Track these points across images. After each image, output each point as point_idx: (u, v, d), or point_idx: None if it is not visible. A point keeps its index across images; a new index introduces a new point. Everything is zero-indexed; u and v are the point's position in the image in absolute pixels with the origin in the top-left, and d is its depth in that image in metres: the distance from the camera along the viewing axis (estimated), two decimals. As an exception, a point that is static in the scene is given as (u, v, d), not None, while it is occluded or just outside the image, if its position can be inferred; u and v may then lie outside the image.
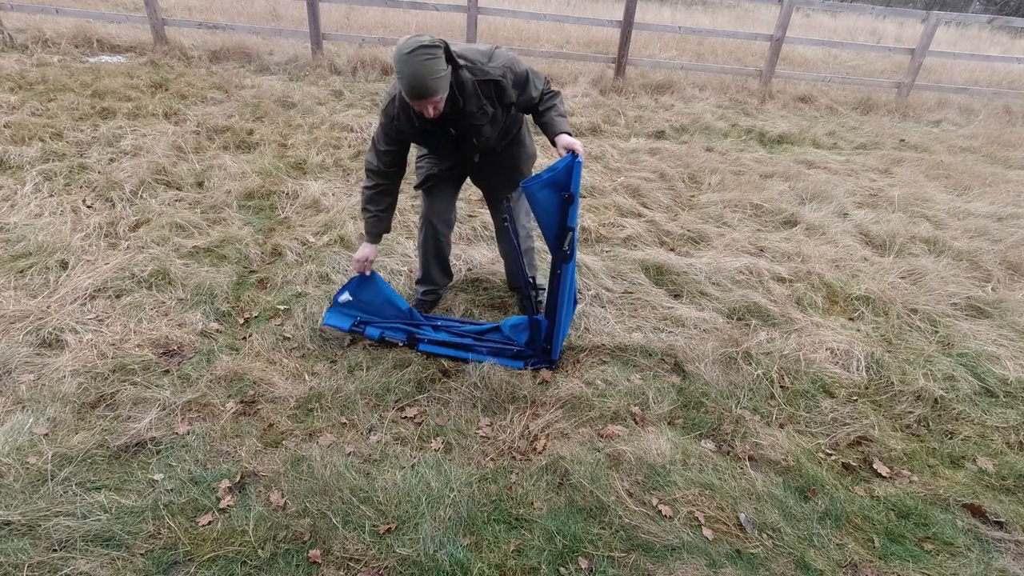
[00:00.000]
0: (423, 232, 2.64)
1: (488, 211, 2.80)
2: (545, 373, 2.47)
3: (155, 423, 2.09)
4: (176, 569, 1.65)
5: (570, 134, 2.20)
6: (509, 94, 2.16)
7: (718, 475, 2.05)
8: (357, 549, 1.72)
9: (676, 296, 3.11)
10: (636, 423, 2.27)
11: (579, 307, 2.85)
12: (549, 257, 2.38)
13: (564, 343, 2.59)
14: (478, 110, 2.13)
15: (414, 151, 2.41)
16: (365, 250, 2.44)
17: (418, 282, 2.82)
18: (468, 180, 2.63)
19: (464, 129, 2.18)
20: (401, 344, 2.51)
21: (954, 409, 2.44)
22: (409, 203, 3.86)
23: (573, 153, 2.11)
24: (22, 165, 3.84)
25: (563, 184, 2.11)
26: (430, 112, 1.99)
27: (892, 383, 2.54)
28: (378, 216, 2.39)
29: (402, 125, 2.16)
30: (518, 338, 2.50)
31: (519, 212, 2.54)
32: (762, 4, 8.96)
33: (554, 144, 2.20)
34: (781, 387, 2.49)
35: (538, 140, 2.98)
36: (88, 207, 3.47)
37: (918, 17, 8.01)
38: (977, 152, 6.05)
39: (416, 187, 2.55)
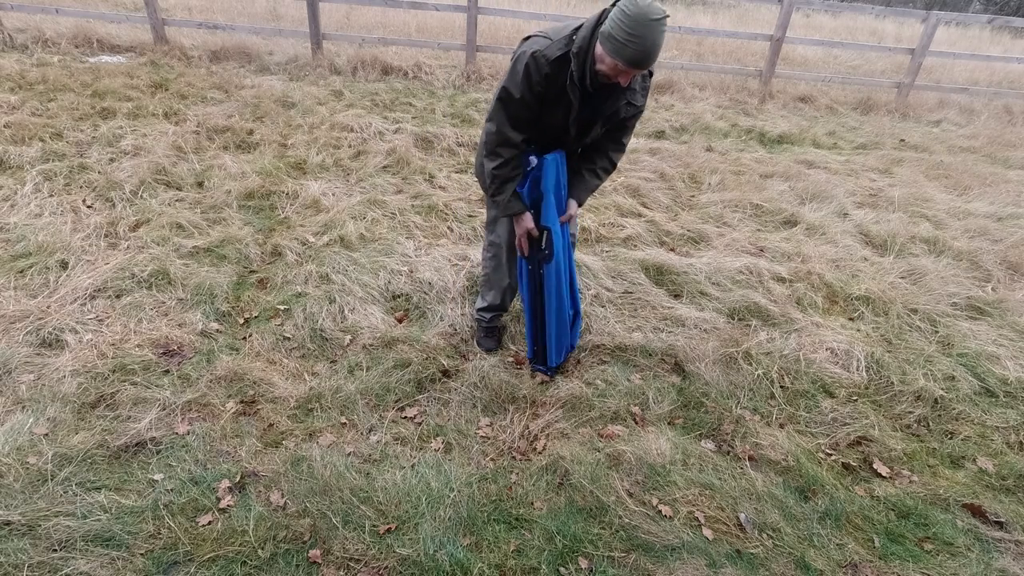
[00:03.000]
0: (495, 264, 2.46)
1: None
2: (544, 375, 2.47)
3: (155, 423, 2.09)
4: (176, 569, 1.65)
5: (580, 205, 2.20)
6: (644, 100, 2.06)
7: (718, 475, 2.05)
8: (357, 549, 1.73)
9: (676, 296, 3.11)
10: (636, 423, 2.27)
11: (581, 307, 2.82)
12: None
13: (567, 356, 2.55)
14: (638, 88, 2.00)
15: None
16: (527, 221, 2.14)
17: (485, 310, 2.59)
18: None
19: (598, 113, 2.02)
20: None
21: (954, 409, 2.44)
22: (409, 203, 3.87)
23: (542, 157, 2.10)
24: (22, 165, 3.84)
25: (538, 187, 2.12)
26: (620, 80, 1.83)
27: (892, 383, 2.54)
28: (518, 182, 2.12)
29: (556, 82, 1.90)
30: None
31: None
32: (762, 4, 8.96)
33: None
34: (781, 387, 2.49)
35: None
36: (88, 207, 3.47)
37: (918, 17, 8.01)
38: (977, 152, 6.06)
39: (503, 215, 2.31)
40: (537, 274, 2.27)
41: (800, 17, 13.16)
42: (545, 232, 2.17)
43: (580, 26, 1.87)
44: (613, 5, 1.76)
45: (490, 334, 2.63)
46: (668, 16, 1.72)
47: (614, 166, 2.24)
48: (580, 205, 2.23)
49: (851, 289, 3.22)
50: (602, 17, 1.80)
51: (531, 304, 2.36)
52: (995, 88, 8.16)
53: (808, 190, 4.47)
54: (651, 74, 2.06)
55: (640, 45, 1.69)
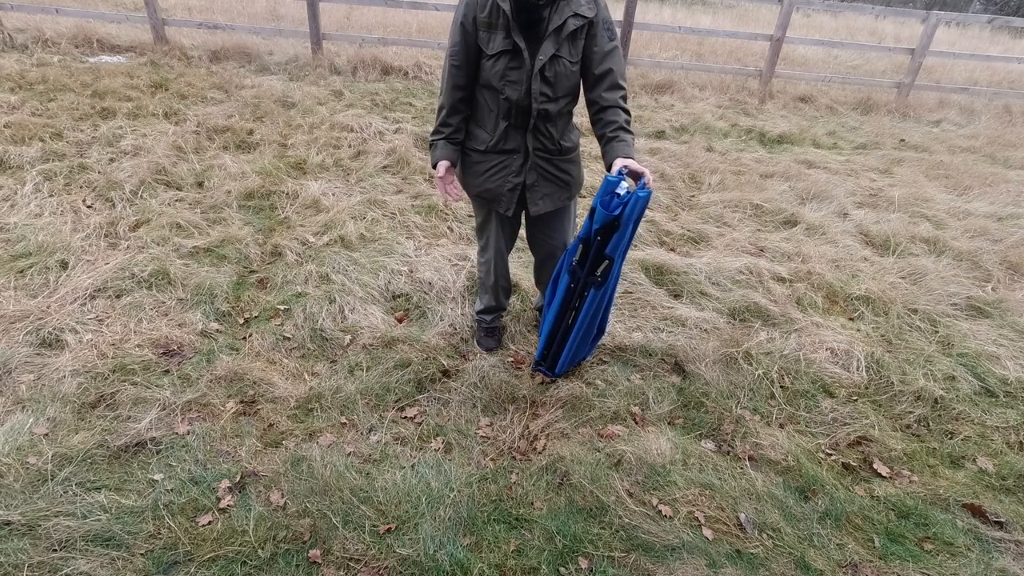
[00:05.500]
0: (487, 269, 2.47)
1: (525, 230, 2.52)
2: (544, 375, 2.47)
3: (155, 423, 2.09)
4: (176, 569, 1.65)
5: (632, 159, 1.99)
6: (595, 12, 1.97)
7: (718, 475, 2.05)
8: (357, 549, 1.73)
9: (676, 296, 3.11)
10: (636, 423, 2.27)
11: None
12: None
13: (571, 368, 2.52)
14: (580, 4, 1.93)
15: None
16: (439, 172, 2.13)
17: (483, 312, 2.62)
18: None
19: (543, 26, 1.94)
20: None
21: (954, 409, 2.44)
22: (409, 203, 3.87)
23: (639, 182, 1.96)
24: (22, 165, 3.84)
25: (620, 217, 1.98)
26: None
27: (892, 383, 2.54)
28: (449, 138, 2.13)
29: (488, 2, 1.90)
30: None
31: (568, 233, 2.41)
32: (762, 4, 8.96)
33: (610, 168, 1.97)
34: (781, 387, 2.49)
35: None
36: (88, 207, 3.47)
37: (918, 17, 8.01)
38: (977, 152, 6.05)
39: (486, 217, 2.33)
40: (578, 294, 2.21)
41: (800, 17, 13.17)
42: (608, 260, 2.08)
43: None
44: None
45: (490, 334, 2.64)
46: None
47: (629, 112, 2.12)
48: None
49: (851, 289, 3.22)
50: None
51: (558, 315, 2.29)
52: (995, 88, 8.15)
53: (808, 190, 4.47)
54: None
55: None
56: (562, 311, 2.28)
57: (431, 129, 2.21)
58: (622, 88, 2.07)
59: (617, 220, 1.98)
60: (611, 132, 2.05)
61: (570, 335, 2.30)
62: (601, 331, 2.45)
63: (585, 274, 2.15)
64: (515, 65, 1.97)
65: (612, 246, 2.04)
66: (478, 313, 2.65)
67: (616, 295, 3.01)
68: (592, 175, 4.46)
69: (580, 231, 2.13)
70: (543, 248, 2.43)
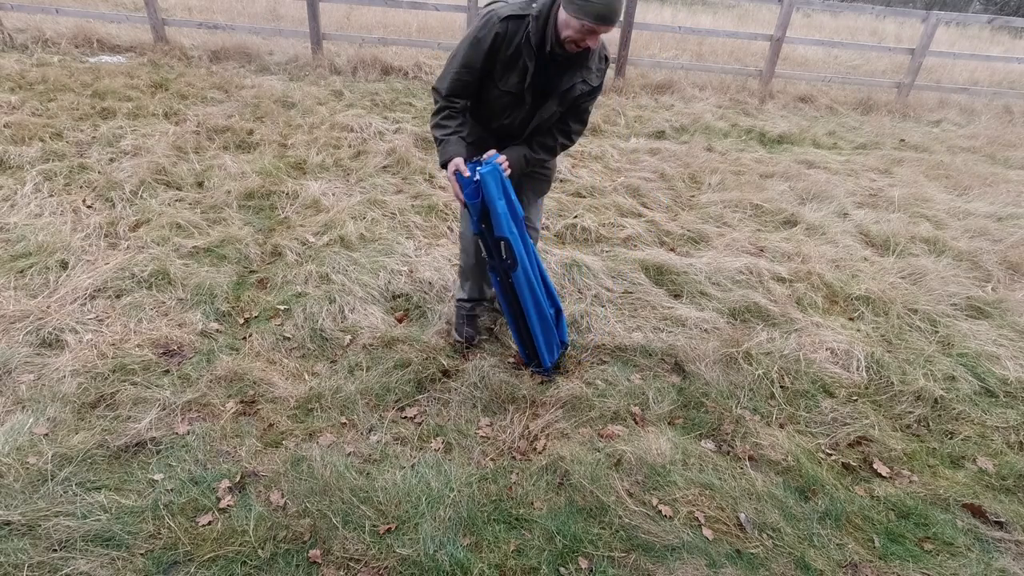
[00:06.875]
0: (468, 253, 2.52)
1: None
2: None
3: (155, 423, 2.09)
4: (176, 569, 1.65)
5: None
6: (600, 82, 2.10)
7: (718, 475, 2.05)
8: (357, 549, 1.72)
9: (676, 296, 3.11)
10: (636, 423, 2.27)
11: (581, 306, 2.85)
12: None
13: (561, 354, 2.54)
14: (593, 68, 2.02)
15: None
16: (451, 167, 2.09)
17: (464, 301, 2.64)
18: None
19: (553, 85, 2.03)
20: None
21: (954, 409, 2.44)
22: (409, 203, 3.87)
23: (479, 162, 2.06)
24: (22, 165, 3.84)
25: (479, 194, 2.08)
26: (588, 43, 1.84)
27: (892, 383, 2.54)
28: (456, 132, 2.12)
29: (516, 43, 1.93)
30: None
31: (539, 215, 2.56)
32: (762, 4, 8.95)
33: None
34: (781, 387, 2.49)
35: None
36: (88, 207, 3.47)
37: (918, 17, 8.01)
38: (977, 152, 6.05)
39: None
40: (508, 283, 2.26)
41: (800, 17, 13.16)
42: (503, 242, 2.15)
43: None
44: None
45: (470, 322, 2.65)
46: None
47: (556, 145, 2.24)
48: (513, 169, 2.16)
49: (851, 289, 3.22)
50: None
51: (511, 312, 2.33)
52: (995, 88, 8.15)
53: (808, 190, 4.47)
54: (607, 59, 2.13)
55: (602, 0, 1.77)
56: (511, 309, 2.34)
57: (432, 120, 2.18)
58: (570, 130, 2.24)
59: (484, 204, 2.09)
60: (565, 132, 2.25)
61: (531, 325, 2.33)
62: (557, 307, 2.47)
63: (498, 263, 2.23)
64: (518, 104, 2.11)
65: (497, 228, 2.13)
66: (459, 300, 2.66)
67: (615, 294, 3.03)
68: (595, 175, 4.47)
69: (472, 229, 2.22)
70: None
